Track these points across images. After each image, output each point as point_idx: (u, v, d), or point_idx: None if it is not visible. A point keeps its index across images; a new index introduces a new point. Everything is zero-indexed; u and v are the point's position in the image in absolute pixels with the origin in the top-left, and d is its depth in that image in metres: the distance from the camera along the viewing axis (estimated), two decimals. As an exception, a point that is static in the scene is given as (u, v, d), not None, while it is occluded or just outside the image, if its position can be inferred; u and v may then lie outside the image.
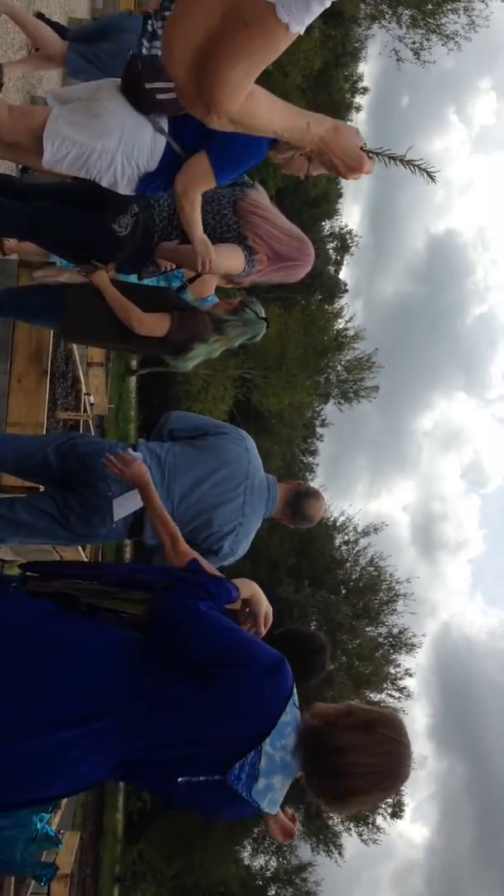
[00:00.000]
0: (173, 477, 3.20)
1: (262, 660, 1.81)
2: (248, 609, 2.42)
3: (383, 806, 29.62)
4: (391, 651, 30.48)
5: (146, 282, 4.20)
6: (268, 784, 1.76)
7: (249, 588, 2.30)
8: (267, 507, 3.35)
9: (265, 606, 2.35)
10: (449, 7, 27.89)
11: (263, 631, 2.38)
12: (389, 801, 29.81)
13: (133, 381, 27.70)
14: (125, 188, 3.11)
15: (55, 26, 4.96)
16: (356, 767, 1.80)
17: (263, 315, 3.72)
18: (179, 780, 1.71)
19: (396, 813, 30.23)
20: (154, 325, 3.54)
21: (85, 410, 6.70)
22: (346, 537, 33.22)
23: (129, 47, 4.30)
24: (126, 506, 3.10)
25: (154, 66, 3.11)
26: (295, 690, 1.85)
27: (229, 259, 3.37)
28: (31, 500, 3.27)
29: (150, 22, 4.38)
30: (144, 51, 4.35)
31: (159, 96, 3.02)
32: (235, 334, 3.70)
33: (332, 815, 2.01)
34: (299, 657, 2.95)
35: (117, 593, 1.98)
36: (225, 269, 3.37)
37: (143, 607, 1.92)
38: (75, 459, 3.20)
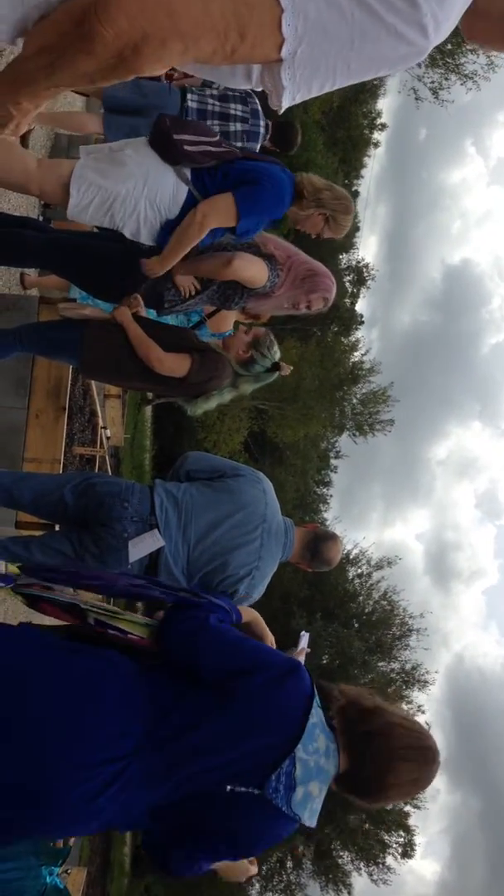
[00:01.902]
0: (190, 519, 3.19)
1: (277, 664, 1.81)
2: (251, 634, 2.39)
3: (394, 845, 29.13)
4: (404, 687, 30.10)
5: (167, 318, 4.23)
6: (306, 793, 1.71)
7: (251, 613, 2.30)
8: (284, 550, 3.33)
9: (268, 632, 2.37)
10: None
11: None
12: (400, 839, 29.31)
13: (149, 410, 27.80)
14: (147, 237, 3.15)
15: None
16: (394, 728, 1.83)
17: (276, 359, 3.73)
18: (228, 787, 1.67)
19: (407, 853, 29.69)
20: (174, 365, 3.56)
21: (101, 445, 6.73)
22: (359, 570, 33.01)
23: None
24: (142, 547, 3.10)
25: (181, 121, 3.20)
26: (316, 691, 1.83)
27: (253, 266, 3.39)
28: (46, 540, 3.27)
29: (188, 97, 4.50)
30: None
31: (187, 147, 3.10)
32: (247, 386, 3.74)
33: (365, 809, 2.02)
34: None
35: (123, 614, 1.96)
36: (249, 276, 3.38)
37: (150, 630, 1.91)
38: (92, 499, 3.20)
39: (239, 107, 4.64)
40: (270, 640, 2.40)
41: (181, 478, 3.40)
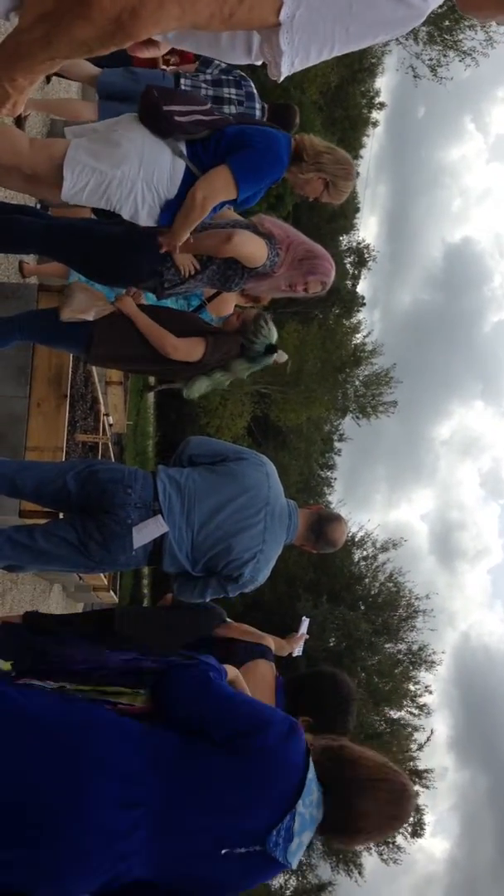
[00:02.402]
0: (193, 503, 3.18)
1: (278, 722, 1.83)
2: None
3: (404, 825, 29.29)
4: (410, 668, 30.22)
5: (167, 302, 4.21)
6: (299, 842, 1.78)
7: (231, 671, 2.29)
8: (288, 533, 3.33)
9: (245, 691, 2.36)
10: (466, 24, 27.95)
11: None
12: (410, 819, 29.50)
13: (151, 396, 27.79)
14: (146, 219, 3.10)
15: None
16: (362, 758, 1.92)
17: (271, 341, 3.69)
18: (223, 851, 1.70)
19: (417, 832, 29.91)
20: (189, 350, 3.56)
21: (104, 432, 6.72)
22: (364, 553, 33.08)
23: None
24: (145, 533, 3.10)
25: (170, 91, 3.13)
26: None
27: (253, 242, 3.31)
28: (50, 527, 3.26)
29: (182, 82, 4.46)
30: None
31: (178, 118, 3.03)
32: (241, 369, 3.71)
33: (353, 841, 2.07)
34: (322, 703, 2.93)
35: (108, 690, 1.98)
36: (249, 253, 3.30)
37: (141, 697, 1.92)
38: (95, 486, 3.19)
39: (233, 90, 4.59)
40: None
41: (184, 463, 3.39)
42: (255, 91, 4.67)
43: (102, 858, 1.63)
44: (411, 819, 29.26)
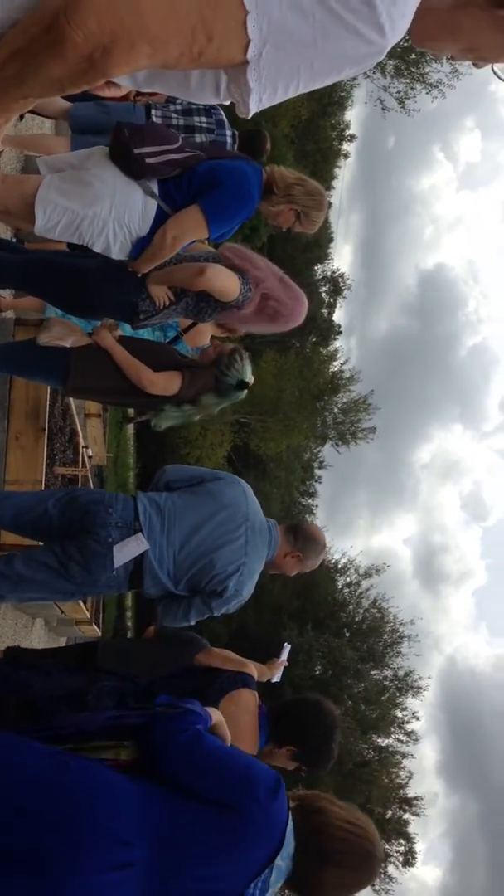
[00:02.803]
0: (173, 522, 3.20)
1: (265, 778, 1.83)
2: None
3: (395, 854, 29.00)
4: (397, 694, 30.11)
5: (142, 332, 4.24)
6: (273, 893, 1.80)
7: (215, 716, 2.28)
8: (269, 547, 3.33)
9: (227, 737, 2.29)
10: (431, 56, 28.59)
11: None
12: (401, 848, 29.19)
13: (131, 428, 27.79)
14: (118, 253, 3.14)
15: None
16: (330, 828, 1.91)
17: (243, 377, 3.71)
18: None
19: (408, 861, 29.60)
20: (166, 384, 3.58)
21: (83, 464, 6.71)
22: (348, 579, 33.06)
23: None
24: (126, 552, 3.10)
25: (140, 130, 3.17)
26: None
27: (225, 277, 3.33)
28: (29, 554, 3.25)
29: (153, 112, 4.51)
30: None
31: (149, 160, 3.07)
32: (210, 403, 3.73)
33: None
34: (306, 731, 2.92)
35: (90, 745, 1.97)
36: (221, 287, 3.33)
37: (126, 751, 1.92)
38: (76, 510, 3.20)
39: (203, 119, 4.65)
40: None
41: (160, 489, 3.41)
42: (224, 119, 4.74)
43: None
44: (402, 849, 28.99)
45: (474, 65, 1.66)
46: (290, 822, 1.83)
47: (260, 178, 3.32)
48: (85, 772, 1.73)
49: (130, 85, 1.83)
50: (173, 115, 4.58)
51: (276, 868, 1.78)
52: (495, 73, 1.72)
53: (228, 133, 4.75)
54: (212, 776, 1.77)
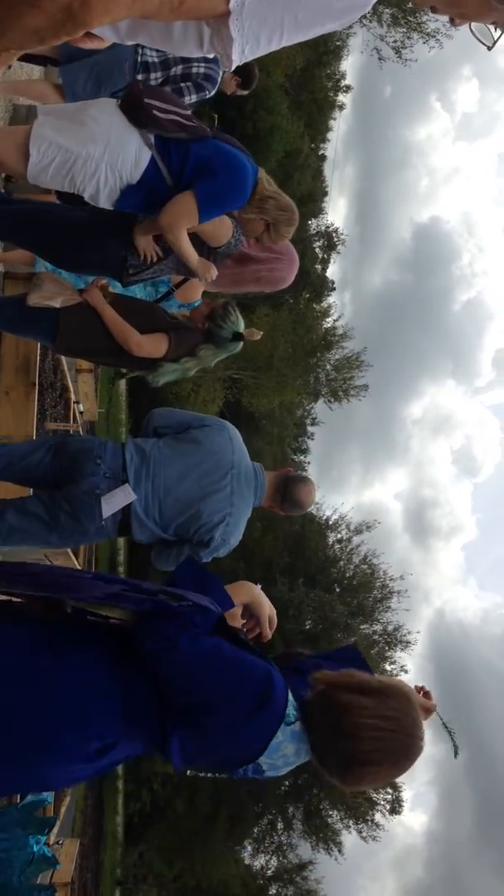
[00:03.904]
0: (158, 471, 3.24)
1: (246, 698, 1.75)
2: (250, 614, 2.30)
3: (382, 802, 29.70)
4: (386, 648, 30.52)
5: (134, 288, 4.19)
6: (278, 758, 1.77)
7: (248, 592, 2.23)
8: (255, 494, 3.37)
9: (267, 609, 2.26)
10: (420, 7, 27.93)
11: (269, 634, 2.29)
12: (388, 796, 29.89)
13: (123, 384, 27.67)
14: (105, 201, 3.13)
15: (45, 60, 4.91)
16: (361, 729, 1.74)
17: (238, 329, 3.71)
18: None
19: (395, 809, 30.31)
20: (153, 347, 3.58)
21: (74, 420, 6.69)
22: (339, 535, 33.30)
23: (124, 59, 4.34)
24: (114, 503, 3.15)
25: (156, 89, 3.17)
26: (291, 702, 1.81)
27: (217, 222, 3.32)
28: (19, 503, 3.27)
29: (139, 51, 4.42)
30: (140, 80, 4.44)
31: (156, 112, 3.07)
32: (208, 356, 3.72)
33: (346, 790, 1.92)
34: None
35: (100, 605, 1.93)
36: (211, 228, 3.32)
37: (130, 612, 1.87)
38: (65, 457, 3.24)
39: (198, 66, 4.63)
40: (268, 610, 2.28)
41: (149, 435, 3.45)
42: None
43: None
44: (390, 797, 29.65)
45: (451, 22, 1.63)
46: (286, 734, 1.78)
47: (255, 176, 3.31)
48: (65, 665, 1.76)
49: (113, 37, 1.79)
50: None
51: (267, 763, 1.75)
52: (472, 33, 1.68)
53: (220, 69, 4.72)
54: (177, 690, 1.74)
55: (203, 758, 1.79)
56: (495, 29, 1.60)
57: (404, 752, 1.79)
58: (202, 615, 1.81)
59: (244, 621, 2.28)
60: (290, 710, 1.80)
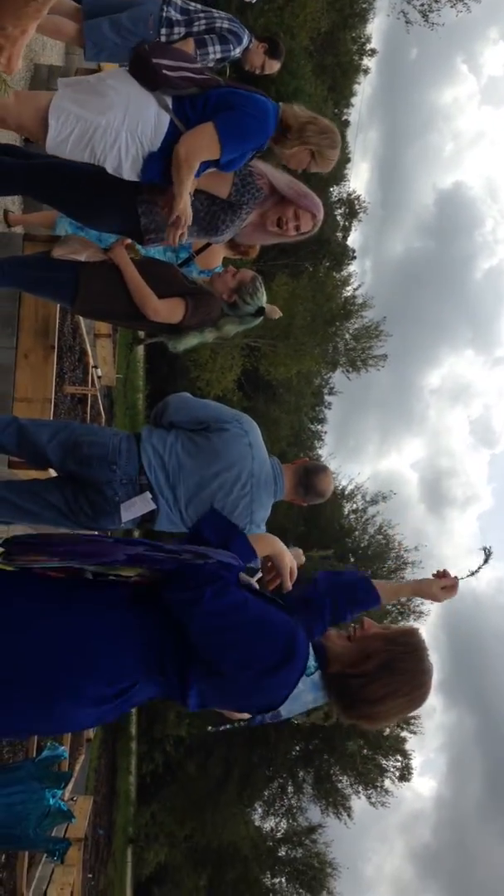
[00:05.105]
0: (178, 479, 3.20)
1: (268, 656, 1.76)
2: (271, 566, 2.30)
3: (391, 769, 30.01)
4: (399, 618, 30.64)
5: (154, 252, 4.16)
6: (298, 705, 1.88)
7: (270, 545, 2.24)
8: (275, 494, 3.37)
9: (288, 561, 2.28)
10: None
11: (290, 585, 2.29)
12: (398, 763, 30.19)
13: (141, 349, 27.62)
14: (129, 171, 3.07)
15: None
16: (389, 664, 1.93)
17: (262, 304, 3.69)
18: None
19: (404, 776, 30.65)
20: (169, 313, 3.56)
21: (93, 384, 6.70)
22: (354, 506, 33.32)
23: (149, 13, 4.29)
24: (133, 510, 3.13)
25: (161, 46, 3.11)
26: (312, 655, 1.87)
27: (216, 177, 3.22)
28: (38, 488, 3.27)
29: (164, 8, 4.38)
30: (163, 35, 4.37)
31: (167, 72, 3.01)
32: (230, 328, 3.71)
33: (371, 722, 1.99)
34: None
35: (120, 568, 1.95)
36: (205, 185, 3.22)
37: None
38: (78, 462, 3.18)
39: (221, 12, 4.59)
40: (290, 562, 2.30)
41: (164, 426, 3.37)
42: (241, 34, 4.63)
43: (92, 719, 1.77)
44: (399, 764, 29.93)
45: None
46: (306, 684, 1.87)
47: (276, 112, 3.22)
48: (71, 611, 1.78)
49: None
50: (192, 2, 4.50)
51: (285, 709, 1.86)
52: None
53: (245, 31, 4.67)
54: (202, 643, 1.75)
55: (221, 706, 1.82)
56: None
57: (420, 690, 1.95)
58: (227, 571, 1.83)
59: (266, 573, 2.31)
60: (311, 663, 1.84)
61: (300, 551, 3.68)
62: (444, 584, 2.55)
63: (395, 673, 1.93)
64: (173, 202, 3.05)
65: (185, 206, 3.06)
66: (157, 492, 3.16)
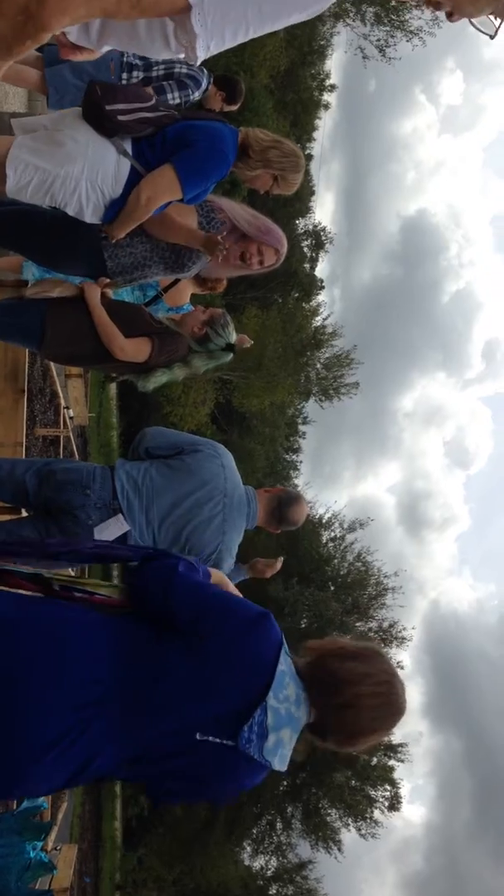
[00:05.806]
0: (151, 500, 3.21)
1: (246, 611, 1.82)
2: None
3: (380, 799, 29.74)
4: (382, 645, 30.56)
5: (122, 292, 4.18)
6: (277, 739, 1.75)
7: (216, 576, 2.30)
8: (248, 520, 3.37)
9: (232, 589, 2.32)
10: (413, 3, 27.97)
11: None
12: (386, 794, 29.92)
13: (113, 387, 27.63)
14: (91, 216, 3.06)
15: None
16: (364, 699, 1.84)
17: (231, 340, 3.71)
18: (197, 736, 1.70)
19: (394, 805, 30.37)
20: (135, 351, 3.56)
21: (64, 425, 6.68)
22: (332, 534, 33.35)
23: (110, 58, 4.32)
24: (107, 533, 3.13)
25: (113, 88, 3.10)
26: (285, 641, 1.85)
27: (182, 210, 3.23)
28: (11, 527, 3.26)
29: (124, 52, 4.41)
30: (123, 79, 4.40)
31: (121, 117, 2.99)
32: (200, 363, 3.72)
33: (347, 751, 1.98)
34: None
35: (86, 579, 1.98)
36: (173, 214, 3.21)
37: (117, 589, 1.92)
38: (52, 488, 3.20)
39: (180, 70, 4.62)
40: (234, 591, 2.38)
41: (141, 455, 3.41)
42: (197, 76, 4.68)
43: (62, 724, 1.64)
44: (388, 794, 29.68)
45: (448, 17, 1.64)
46: (285, 662, 1.80)
47: (235, 138, 3.23)
48: (53, 608, 1.77)
49: (85, 42, 1.79)
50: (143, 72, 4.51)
51: (272, 710, 1.73)
52: (473, 25, 1.69)
53: (205, 72, 4.69)
54: (184, 603, 1.78)
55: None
56: (495, 18, 1.61)
57: (396, 708, 1.89)
58: (189, 565, 1.92)
59: None
60: (285, 646, 1.84)
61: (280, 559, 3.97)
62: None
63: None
64: (111, 232, 3.11)
65: (202, 236, 3.15)
66: (129, 515, 3.17)
